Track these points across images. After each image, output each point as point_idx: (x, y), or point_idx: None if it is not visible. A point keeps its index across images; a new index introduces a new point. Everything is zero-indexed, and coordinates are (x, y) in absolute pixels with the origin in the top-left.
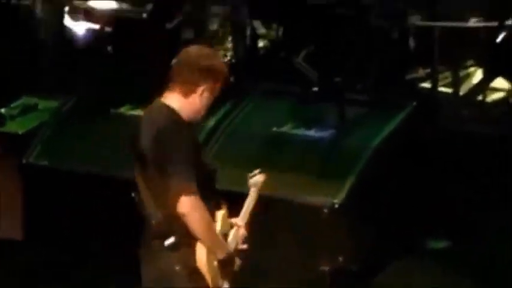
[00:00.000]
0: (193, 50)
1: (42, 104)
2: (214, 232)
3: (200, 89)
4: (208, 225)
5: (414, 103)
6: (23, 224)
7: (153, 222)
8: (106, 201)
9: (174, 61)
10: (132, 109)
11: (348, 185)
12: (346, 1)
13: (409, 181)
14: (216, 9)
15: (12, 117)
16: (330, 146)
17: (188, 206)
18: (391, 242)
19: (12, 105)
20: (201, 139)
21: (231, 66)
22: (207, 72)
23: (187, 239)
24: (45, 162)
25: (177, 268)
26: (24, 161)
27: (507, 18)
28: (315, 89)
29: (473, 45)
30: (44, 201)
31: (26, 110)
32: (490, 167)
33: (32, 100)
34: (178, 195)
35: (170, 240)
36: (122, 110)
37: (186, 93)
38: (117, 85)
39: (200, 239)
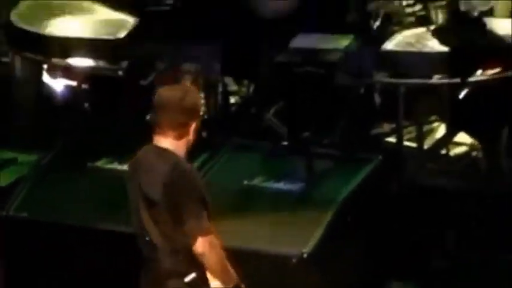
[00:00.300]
0: (173, 92)
1: (21, 158)
2: (229, 268)
3: (191, 128)
4: (224, 263)
5: (380, 157)
6: (3, 277)
7: (166, 262)
8: (86, 253)
9: (155, 104)
10: (109, 163)
11: (316, 235)
12: (313, 59)
13: (376, 233)
14: (188, 66)
15: None
16: (299, 198)
17: (205, 246)
18: None
19: None
20: None
21: (203, 122)
22: (193, 110)
23: (205, 274)
24: (25, 214)
25: None
26: (4, 214)
27: (469, 76)
28: (285, 143)
29: (437, 101)
30: (25, 253)
31: (5, 164)
32: (454, 218)
33: (11, 154)
34: (195, 237)
35: (191, 277)
36: (99, 163)
37: (181, 136)
38: (94, 140)
39: (215, 276)
